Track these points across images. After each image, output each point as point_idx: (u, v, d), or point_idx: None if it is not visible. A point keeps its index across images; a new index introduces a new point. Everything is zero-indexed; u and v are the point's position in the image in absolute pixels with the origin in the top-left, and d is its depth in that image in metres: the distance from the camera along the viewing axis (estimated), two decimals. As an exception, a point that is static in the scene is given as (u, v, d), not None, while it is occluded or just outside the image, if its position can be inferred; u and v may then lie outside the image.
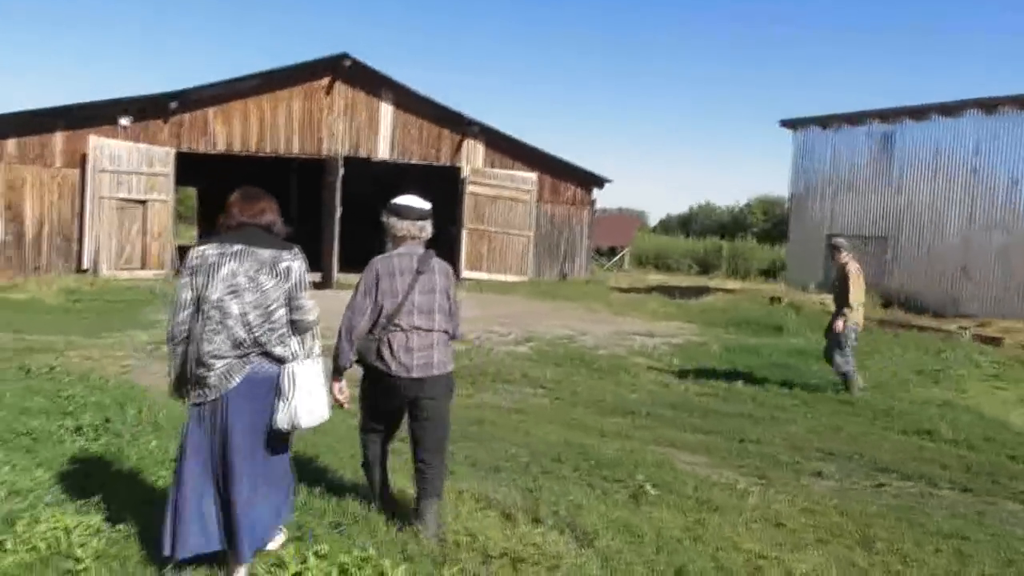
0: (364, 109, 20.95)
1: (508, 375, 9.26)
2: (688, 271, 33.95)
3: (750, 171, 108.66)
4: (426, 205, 4.15)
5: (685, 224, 59.35)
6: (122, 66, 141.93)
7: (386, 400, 4.06)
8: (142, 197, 18.59)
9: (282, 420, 3.47)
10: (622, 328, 13.85)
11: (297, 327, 3.56)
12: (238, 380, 3.42)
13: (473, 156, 22.31)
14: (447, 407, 4.11)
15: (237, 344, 3.41)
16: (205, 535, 3.39)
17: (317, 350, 3.62)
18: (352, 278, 20.91)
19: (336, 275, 19.49)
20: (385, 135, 21.30)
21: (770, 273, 32.15)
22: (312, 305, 3.59)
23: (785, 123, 21.83)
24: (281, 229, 3.64)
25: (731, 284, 26.47)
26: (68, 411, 5.75)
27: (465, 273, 21.54)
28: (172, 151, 18.90)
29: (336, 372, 4.04)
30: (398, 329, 3.96)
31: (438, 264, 4.13)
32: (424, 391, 3.99)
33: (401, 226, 4.07)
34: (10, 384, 6.63)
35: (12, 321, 12.03)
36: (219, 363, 3.39)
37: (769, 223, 47.88)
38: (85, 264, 17.90)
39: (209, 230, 26.71)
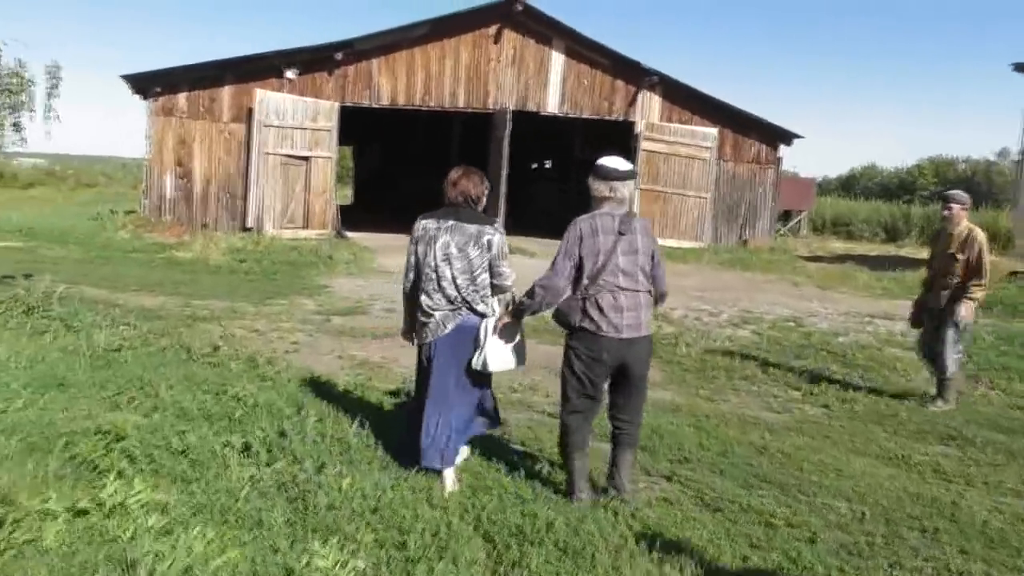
0: (533, 59, 19.34)
1: (744, 369, 7.52)
2: (872, 238, 30.50)
3: (916, 132, 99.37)
4: (628, 166, 4.12)
5: (847, 187, 54.76)
6: (289, 16, 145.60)
7: (594, 366, 4.00)
8: (306, 153, 17.88)
9: (476, 362, 4.17)
10: (851, 308, 11.73)
11: (497, 290, 4.29)
12: (450, 328, 4.20)
13: (648, 109, 20.29)
14: (648, 369, 4.18)
15: (450, 300, 4.20)
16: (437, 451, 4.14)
17: (499, 309, 4.29)
18: (520, 241, 19.84)
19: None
20: (555, 87, 19.64)
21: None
22: (510, 272, 4.29)
23: (1020, 67, 18.41)
24: (483, 202, 4.35)
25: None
26: (234, 416, 4.54)
27: (637, 238, 19.78)
28: (336, 105, 18.06)
29: (513, 314, 4.17)
30: (604, 289, 3.96)
31: (640, 224, 4.12)
32: (632, 353, 4.01)
33: (602, 187, 4.07)
34: (171, 370, 5.56)
35: (180, 282, 11.39)
36: (437, 314, 4.21)
37: (942, 186, 42.87)
38: (250, 222, 17.42)
39: (363, 189, 25.95)
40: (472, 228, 4.17)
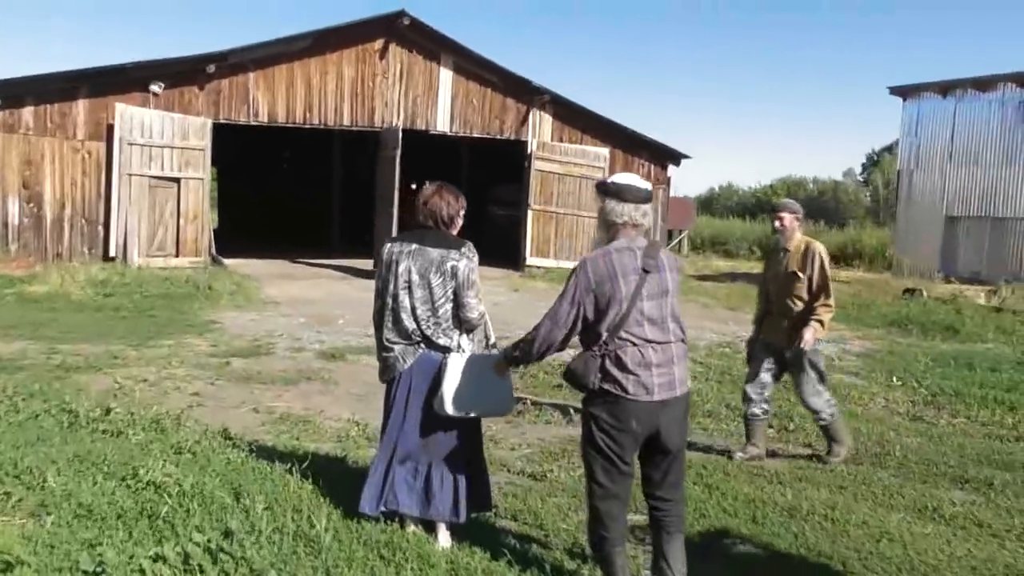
0: (422, 75, 18.52)
1: (704, 404, 6.98)
2: (750, 256, 31.48)
3: (770, 153, 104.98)
4: (647, 185, 3.45)
5: (706, 206, 56.90)
6: (153, 24, 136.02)
7: (621, 438, 3.27)
8: (175, 174, 16.25)
9: (436, 403, 3.71)
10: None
11: (464, 323, 3.84)
12: (409, 363, 3.81)
13: (540, 129, 19.88)
14: (687, 435, 3.55)
15: (407, 334, 3.80)
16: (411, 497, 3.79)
17: (493, 342, 4.01)
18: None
19: (395, 263, 17.11)
20: (444, 104, 18.86)
21: (838, 260, 29.63)
22: (476, 303, 3.83)
23: (895, 90, 19.31)
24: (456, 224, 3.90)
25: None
26: (158, 513, 3.46)
27: (530, 260, 19.28)
28: (209, 121, 16.55)
29: (510, 361, 3.66)
30: (627, 343, 3.27)
31: (666, 259, 3.42)
32: (667, 417, 3.32)
33: (622, 211, 3.36)
34: (53, 444, 4.34)
35: (38, 323, 9.78)
36: (397, 348, 3.83)
37: (794, 205, 45.16)
38: (112, 251, 15.61)
39: (232, 212, 24.12)
40: (435, 253, 3.76)
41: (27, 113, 15.33)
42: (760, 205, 55.87)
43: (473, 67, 18.86)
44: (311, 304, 12.47)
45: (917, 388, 7.89)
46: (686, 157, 21.56)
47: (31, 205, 15.45)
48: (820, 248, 5.59)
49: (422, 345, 3.79)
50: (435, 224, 3.83)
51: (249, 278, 14.89)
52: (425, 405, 3.75)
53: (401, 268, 3.76)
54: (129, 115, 15.62)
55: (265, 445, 5.01)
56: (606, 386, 3.25)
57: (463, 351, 3.80)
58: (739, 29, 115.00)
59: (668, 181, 21.70)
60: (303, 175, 25.63)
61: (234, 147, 24.17)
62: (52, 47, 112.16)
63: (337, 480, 4.19)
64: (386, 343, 3.82)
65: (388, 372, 3.85)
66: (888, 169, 51.32)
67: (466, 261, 3.79)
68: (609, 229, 3.39)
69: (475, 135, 19.40)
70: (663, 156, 21.34)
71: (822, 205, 49.97)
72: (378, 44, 17.97)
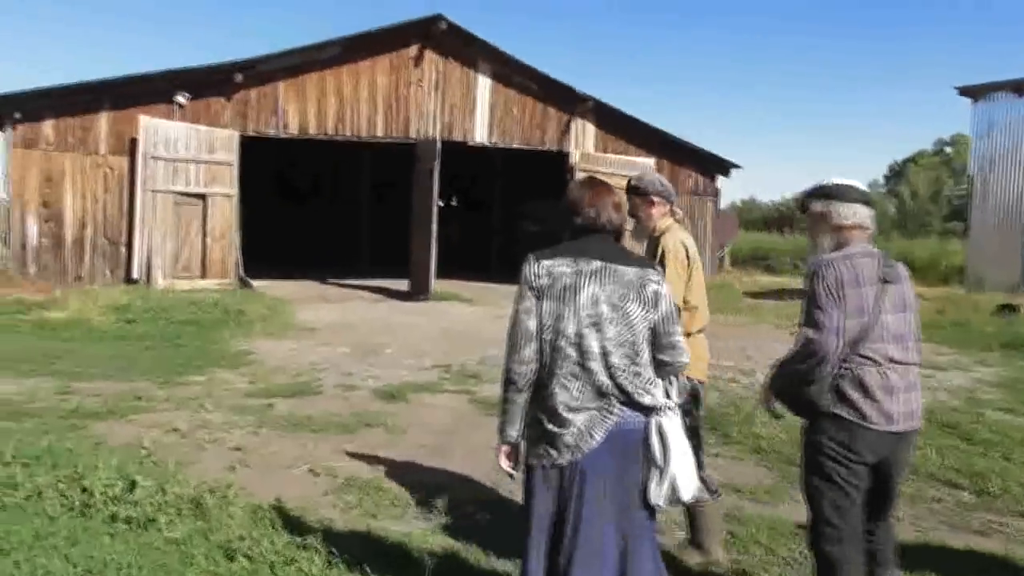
0: (458, 83, 17.49)
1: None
2: (794, 271, 30.15)
3: (793, 165, 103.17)
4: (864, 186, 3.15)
5: (730, 221, 55.58)
6: (177, 33, 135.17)
7: (857, 468, 2.90)
8: (201, 190, 15.30)
9: (657, 494, 2.69)
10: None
11: (665, 369, 2.78)
12: (599, 438, 2.65)
13: (582, 138, 18.81)
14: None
15: (600, 392, 2.66)
16: None
17: (675, 398, 2.82)
18: (456, 286, 17.68)
19: (433, 283, 16.00)
20: (482, 114, 17.83)
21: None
22: (685, 342, 2.84)
23: (964, 90, 18.04)
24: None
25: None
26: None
27: (575, 277, 18.12)
28: (236, 134, 15.60)
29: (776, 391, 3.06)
30: (869, 361, 2.88)
31: (903, 270, 3.04)
32: (900, 452, 2.98)
33: (852, 212, 3.01)
34: (56, 543, 3.20)
35: (54, 355, 8.75)
36: (578, 417, 2.65)
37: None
38: (135, 273, 14.64)
39: (252, 229, 22.97)
40: (631, 273, 2.72)
41: (47, 127, 14.46)
42: (783, 219, 54.65)
43: (513, 73, 17.84)
44: (351, 330, 11.37)
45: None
46: (736, 167, 20.41)
47: (50, 224, 14.55)
48: (671, 242, 3.83)
49: (617, 408, 2.66)
50: (612, 232, 2.81)
51: (281, 301, 13.82)
52: (614, 496, 2.65)
53: (584, 296, 2.66)
54: (154, 128, 14.69)
55: (336, 529, 3.86)
56: (840, 411, 2.90)
57: (673, 409, 2.75)
58: (748, 40, 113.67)
59: (716, 192, 20.53)
60: (330, 189, 24.60)
61: (257, 160, 23.28)
62: (72, 57, 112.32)
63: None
64: (561, 410, 2.64)
65: (558, 453, 2.65)
66: (916, 179, 50.02)
67: (667, 285, 2.80)
68: (836, 233, 3.04)
69: (515, 146, 18.35)
70: (710, 166, 20.21)
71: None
72: (412, 51, 16.99)
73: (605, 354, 2.65)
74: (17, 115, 14.17)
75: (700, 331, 3.91)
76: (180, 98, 15.15)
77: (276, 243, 24.90)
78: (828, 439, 2.93)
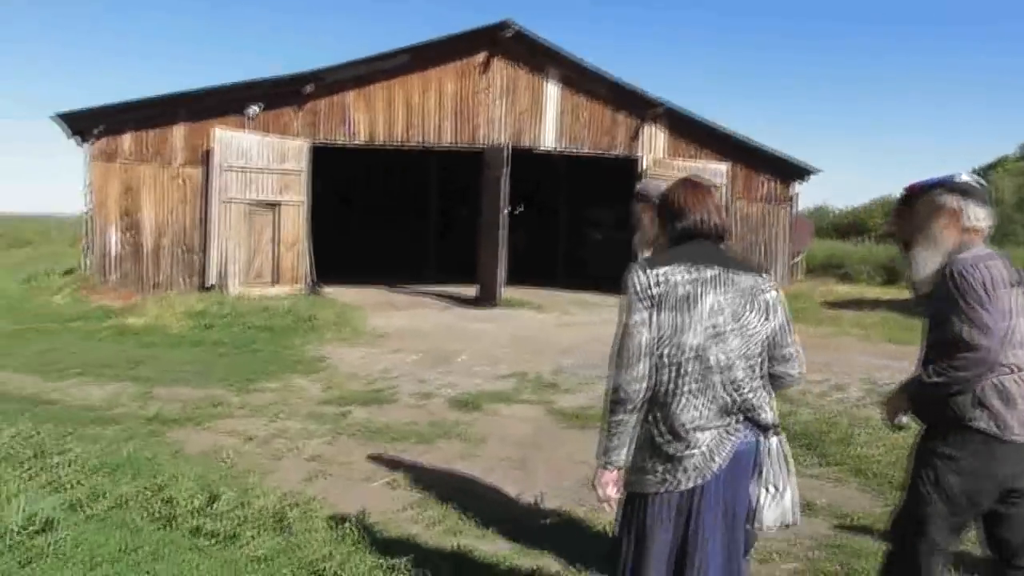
0: (527, 89, 17.35)
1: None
2: (870, 280, 29.06)
3: (867, 171, 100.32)
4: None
5: (798, 227, 54.14)
6: (250, 46, 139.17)
7: (983, 484, 2.66)
8: (274, 199, 15.49)
9: (773, 516, 2.55)
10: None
11: (779, 383, 2.61)
12: (723, 459, 2.43)
13: (653, 144, 18.44)
14: None
15: (725, 409, 2.45)
16: None
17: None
18: (513, 292, 17.53)
19: (502, 290, 15.86)
20: (551, 120, 17.65)
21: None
22: (802, 354, 2.64)
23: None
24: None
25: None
26: None
27: (644, 285, 17.75)
28: (307, 143, 15.76)
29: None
30: (1009, 368, 2.65)
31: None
32: None
33: (984, 215, 2.82)
34: (141, 559, 3.11)
35: (135, 360, 8.87)
36: (703, 436, 2.42)
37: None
38: (210, 280, 14.88)
39: (324, 239, 23.07)
40: (746, 280, 2.53)
41: (126, 140, 14.82)
42: (856, 226, 52.98)
43: (581, 78, 17.60)
44: (422, 337, 11.28)
45: None
46: (814, 172, 19.76)
47: (130, 234, 14.89)
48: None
49: (739, 426, 2.46)
50: (719, 237, 2.63)
51: (351, 307, 13.85)
52: (729, 522, 2.47)
53: (705, 305, 2.44)
54: (227, 139, 14.93)
55: (421, 547, 3.69)
56: (978, 422, 2.67)
57: (780, 429, 2.59)
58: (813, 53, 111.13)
59: (793, 199, 19.92)
60: (397, 197, 24.72)
61: (324, 168, 23.54)
62: (145, 71, 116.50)
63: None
64: (684, 430, 2.41)
65: (681, 477, 2.42)
66: (1001, 185, 48.00)
67: (780, 292, 2.61)
68: (961, 235, 2.82)
69: (584, 152, 18.11)
70: (786, 172, 19.58)
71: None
72: (480, 58, 16.92)
73: (728, 368, 2.45)
74: (98, 129, 14.57)
75: None
76: (251, 110, 15.37)
77: (343, 250, 25.17)
78: (955, 450, 2.70)
